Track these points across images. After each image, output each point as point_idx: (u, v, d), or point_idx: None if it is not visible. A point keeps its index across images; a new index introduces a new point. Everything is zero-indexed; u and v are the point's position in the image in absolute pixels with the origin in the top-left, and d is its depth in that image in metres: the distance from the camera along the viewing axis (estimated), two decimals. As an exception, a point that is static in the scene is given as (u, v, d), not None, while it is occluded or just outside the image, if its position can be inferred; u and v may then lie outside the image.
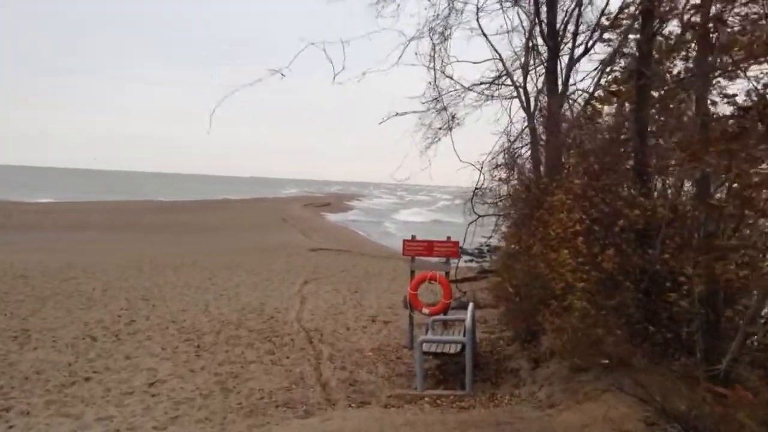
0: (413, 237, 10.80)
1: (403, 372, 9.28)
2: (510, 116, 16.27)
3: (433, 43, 13.28)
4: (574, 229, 7.17)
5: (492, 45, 15.17)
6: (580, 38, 13.00)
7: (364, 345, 11.02)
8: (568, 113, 13.65)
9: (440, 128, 14.12)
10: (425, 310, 10.37)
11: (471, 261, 29.28)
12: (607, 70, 13.15)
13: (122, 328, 11.54)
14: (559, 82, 12.95)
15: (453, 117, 14.08)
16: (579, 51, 12.84)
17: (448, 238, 10.71)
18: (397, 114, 13.65)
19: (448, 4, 13.19)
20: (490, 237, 15.60)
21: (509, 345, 10.26)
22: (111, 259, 21.68)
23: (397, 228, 52.90)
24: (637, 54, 7.88)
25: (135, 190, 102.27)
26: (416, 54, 13.41)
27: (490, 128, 16.08)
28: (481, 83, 15.40)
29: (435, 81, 13.46)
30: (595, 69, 12.85)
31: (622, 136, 8.55)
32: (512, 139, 16.34)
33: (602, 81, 13.37)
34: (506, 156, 16.58)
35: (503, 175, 15.93)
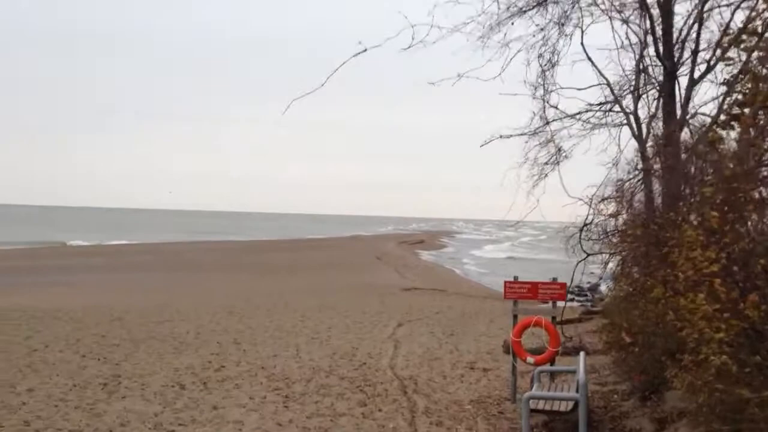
0: (515, 277, 9.93)
1: (507, 429, 8.38)
2: (619, 145, 15.19)
3: (542, 69, 12.50)
4: (710, 270, 6.16)
5: (598, 69, 14.23)
6: (701, 56, 11.89)
7: (463, 396, 10.16)
8: (686, 140, 12.53)
9: (546, 163, 13.21)
10: (530, 359, 9.43)
11: (572, 300, 27.88)
12: (731, 92, 11.98)
13: (211, 375, 11.13)
14: (677, 106, 11.88)
15: (560, 150, 13.14)
16: (699, 71, 11.66)
17: (554, 279, 9.77)
18: (501, 137, 12.81)
19: (558, 27, 12.39)
20: (600, 278, 14.43)
21: (625, 400, 9.15)
22: (203, 300, 21.71)
23: (474, 263, 51.82)
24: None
25: (225, 230, 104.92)
26: (525, 82, 12.68)
27: (597, 159, 15.01)
28: (588, 111, 14.45)
29: (544, 110, 12.62)
30: (721, 92, 11.69)
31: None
32: (622, 170, 15.24)
33: (725, 104, 12.19)
34: (615, 189, 15.47)
35: (612, 210, 14.85)
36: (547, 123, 12.87)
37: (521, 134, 12.83)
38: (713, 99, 12.47)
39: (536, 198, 13.27)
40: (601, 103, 14.70)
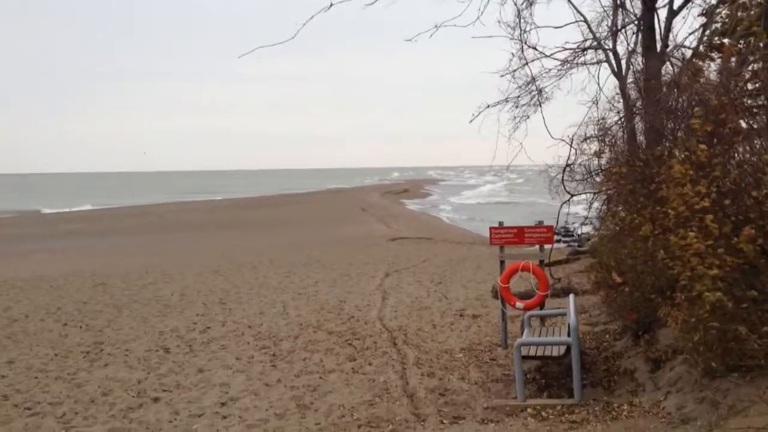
0: (500, 223, 9.70)
1: (499, 377, 8.24)
2: (599, 83, 14.90)
3: (518, 9, 12.06)
4: (700, 205, 5.94)
5: (575, 7, 13.83)
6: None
7: (453, 344, 10.03)
8: (667, 74, 12.23)
9: (528, 104, 12.88)
10: (519, 305, 9.28)
11: (558, 241, 27.81)
12: (711, 23, 11.65)
13: (197, 337, 10.93)
14: (657, 39, 11.56)
15: (541, 91, 12.80)
16: (679, 2, 11.33)
17: (540, 222, 9.56)
18: (489, 106, 12.43)
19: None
20: (585, 218, 14.29)
21: (617, 340, 9.06)
22: (188, 261, 21.44)
23: (459, 210, 51.80)
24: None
25: (215, 189, 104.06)
26: (499, 22, 12.23)
27: (577, 98, 14.74)
28: (565, 49, 14.08)
29: (522, 51, 12.21)
30: (701, 23, 11.39)
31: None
32: (603, 108, 14.99)
33: (705, 35, 11.88)
34: (597, 127, 15.22)
35: (594, 149, 14.63)
36: (526, 63, 12.48)
37: (506, 101, 12.41)
38: (693, 32, 12.19)
39: (519, 141, 12.95)
40: (580, 43, 14.35)
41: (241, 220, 41.60)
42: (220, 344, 10.42)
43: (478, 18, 11.61)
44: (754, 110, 7.41)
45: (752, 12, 8.18)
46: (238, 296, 14.82)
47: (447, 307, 13.00)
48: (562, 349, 7.35)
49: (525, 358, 7.41)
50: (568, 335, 7.21)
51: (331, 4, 7.70)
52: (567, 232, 30.28)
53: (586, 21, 14.01)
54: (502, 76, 12.60)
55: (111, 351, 10.15)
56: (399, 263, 19.78)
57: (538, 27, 13.60)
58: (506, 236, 9.47)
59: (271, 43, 9.48)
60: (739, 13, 8.31)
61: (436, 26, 11.64)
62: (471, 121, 13.00)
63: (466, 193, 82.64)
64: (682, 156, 8.00)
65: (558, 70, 13.45)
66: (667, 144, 9.58)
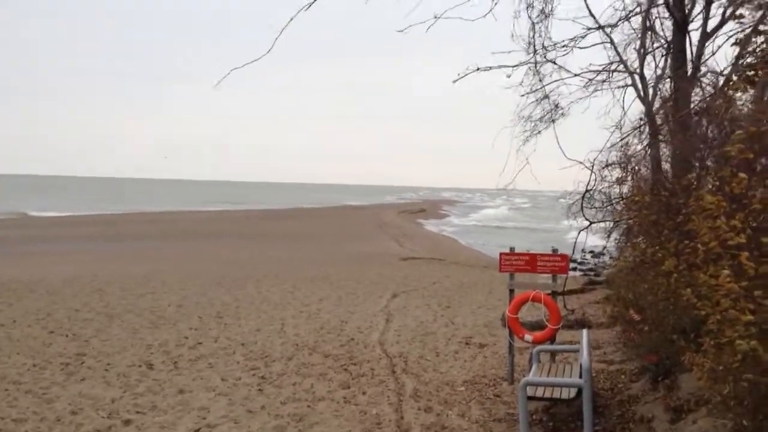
0: (511, 249, 9.04)
1: (503, 416, 7.55)
2: (623, 107, 14.24)
3: (531, 22, 11.42)
4: (735, 241, 5.27)
5: (601, 26, 13.18)
6: (714, 8, 10.92)
7: (456, 376, 9.35)
8: (697, 100, 11.57)
9: (540, 119, 12.23)
10: (528, 338, 8.59)
11: (574, 269, 27.01)
12: (744, 53, 10.99)
13: (184, 353, 10.34)
14: (688, 62, 10.91)
15: (556, 106, 12.15)
16: (712, 24, 10.69)
17: (555, 250, 8.89)
18: (478, 69, 11.30)
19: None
20: (604, 248, 13.57)
21: (634, 382, 8.33)
22: (194, 270, 20.91)
23: (473, 232, 51.02)
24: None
25: (234, 199, 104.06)
26: (512, 36, 11.55)
27: (599, 122, 14.07)
28: (590, 70, 13.44)
29: (536, 65, 11.57)
30: (732, 45, 10.71)
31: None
32: (626, 133, 14.33)
33: (739, 62, 11.19)
34: (620, 153, 14.55)
35: (616, 176, 13.97)
36: (541, 80, 11.81)
37: (503, 66, 11.47)
38: (726, 57, 11.52)
39: (526, 157, 12.27)
40: (605, 65, 13.69)
41: (255, 232, 41.15)
42: (207, 362, 9.82)
43: (490, 11, 10.69)
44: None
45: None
46: (237, 310, 14.23)
47: (453, 334, 12.33)
48: (573, 391, 6.66)
49: (531, 398, 6.74)
50: (580, 376, 6.52)
51: (310, 4, 6.91)
52: (584, 261, 29.58)
53: (612, 42, 13.36)
54: (506, 67, 11.82)
55: (91, 364, 9.57)
56: (408, 284, 19.13)
57: (563, 46, 12.95)
58: (517, 263, 8.80)
59: (246, 62, 8.62)
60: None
61: (435, 17, 10.68)
62: (455, 81, 11.96)
63: (482, 214, 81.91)
64: (714, 186, 7.35)
65: (581, 90, 12.78)
66: (697, 173, 8.90)
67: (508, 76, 11.10)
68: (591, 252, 29.14)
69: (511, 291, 8.99)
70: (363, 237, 38.54)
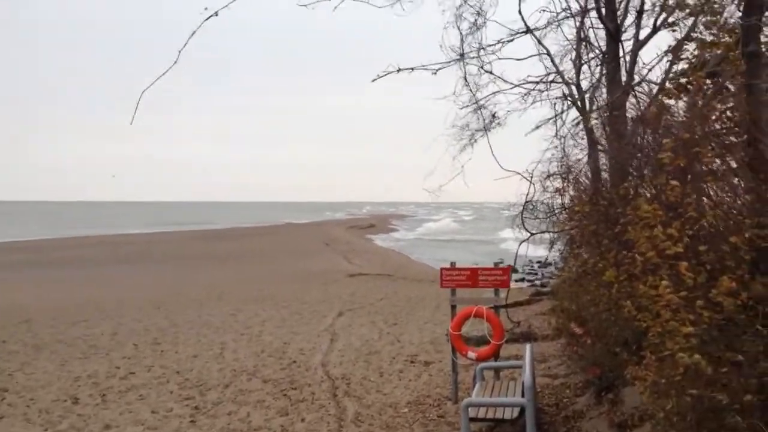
0: (452, 263, 8.83)
1: (446, 438, 7.29)
2: (563, 118, 14.24)
3: (461, 34, 11.28)
4: (673, 250, 5.13)
5: (537, 39, 13.15)
6: (645, 18, 10.99)
7: (399, 397, 9.06)
8: (632, 109, 11.61)
9: (477, 129, 12.13)
10: (471, 355, 8.36)
11: (522, 280, 27.05)
12: (676, 60, 11.08)
13: (114, 384, 9.81)
14: (622, 71, 10.93)
15: (493, 116, 12.05)
16: (644, 34, 10.76)
17: (499, 262, 8.70)
18: (399, 70, 10.85)
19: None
20: (546, 258, 13.51)
21: (579, 395, 8.18)
22: (132, 294, 20.19)
23: (421, 246, 50.99)
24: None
25: (182, 219, 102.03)
26: (441, 47, 11.32)
27: (539, 133, 14.04)
28: (527, 82, 13.41)
29: (464, 75, 11.41)
30: (665, 54, 10.77)
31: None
32: (565, 144, 14.34)
33: (673, 70, 11.29)
34: (560, 164, 14.55)
35: (557, 186, 13.96)
36: (472, 90, 11.67)
37: (426, 67, 11.21)
38: (658, 62, 11.60)
39: (461, 165, 12.14)
40: (542, 77, 13.69)
41: (197, 254, 40.19)
42: (138, 394, 9.31)
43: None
44: (729, 145, 6.69)
45: (727, 38, 7.52)
46: (176, 336, 13.69)
47: (398, 352, 12.05)
48: (516, 411, 6.44)
49: (473, 420, 6.49)
50: (523, 395, 6.30)
51: (216, 13, 6.52)
52: (531, 271, 29.69)
53: (549, 54, 13.36)
54: (427, 69, 11.59)
55: (12, 400, 8.98)
56: (355, 301, 18.81)
57: (499, 59, 12.85)
58: (458, 278, 8.59)
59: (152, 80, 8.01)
60: (714, 38, 7.64)
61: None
62: (374, 80, 11.71)
63: (428, 227, 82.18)
64: (651, 195, 7.28)
65: (519, 101, 12.72)
66: (633, 182, 8.86)
67: (434, 73, 10.84)
68: (539, 262, 29.31)
69: (453, 307, 8.76)
70: (310, 254, 38.02)
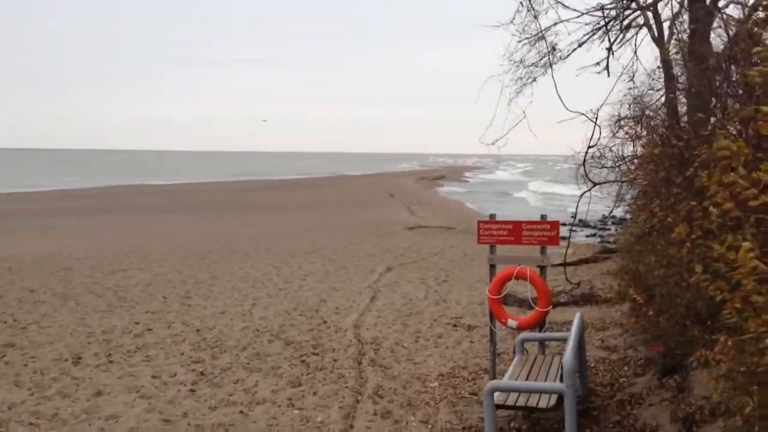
0: (492, 216, 7.55)
1: (475, 423, 6.15)
2: (635, 51, 12.53)
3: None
4: (761, 200, 3.76)
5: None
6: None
7: (432, 367, 7.97)
8: (718, 38, 9.91)
9: (535, 64, 10.62)
10: (512, 323, 7.14)
11: (594, 236, 25.27)
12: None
13: (126, 342, 9.07)
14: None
15: (554, 48, 10.52)
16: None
17: (543, 216, 7.37)
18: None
19: None
20: (611, 211, 12.03)
21: (639, 375, 6.88)
22: (180, 244, 19.68)
23: (495, 199, 48.99)
24: None
25: (254, 169, 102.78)
26: None
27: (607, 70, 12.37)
28: (595, 8, 11.74)
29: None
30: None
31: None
32: (640, 82, 12.68)
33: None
34: (633, 105, 12.90)
35: (628, 131, 12.38)
36: (536, 17, 10.16)
37: (499, 24, 9.98)
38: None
39: (522, 109, 10.67)
40: (612, 2, 11.99)
41: (263, 203, 39.83)
42: (146, 354, 8.52)
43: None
44: None
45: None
46: (210, 290, 12.95)
47: (442, 314, 10.93)
48: (553, 399, 5.23)
49: (500, 407, 5.32)
50: (562, 380, 5.08)
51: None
52: (604, 226, 27.80)
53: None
54: (500, 27, 10.22)
55: (13, 358, 8.33)
56: (408, 255, 17.74)
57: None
58: (498, 234, 7.31)
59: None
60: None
61: None
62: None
63: (498, 176, 79.83)
64: (735, 131, 5.83)
65: (583, 29, 11.10)
66: (718, 121, 7.33)
67: None
68: (612, 217, 27.46)
69: (492, 267, 7.50)
70: (372, 205, 37.06)
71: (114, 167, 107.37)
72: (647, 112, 12.45)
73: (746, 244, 3.71)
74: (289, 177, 79.06)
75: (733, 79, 7.18)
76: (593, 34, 11.42)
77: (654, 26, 11.71)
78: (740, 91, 6.69)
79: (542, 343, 7.16)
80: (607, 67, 11.10)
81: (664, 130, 9.31)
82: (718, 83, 7.26)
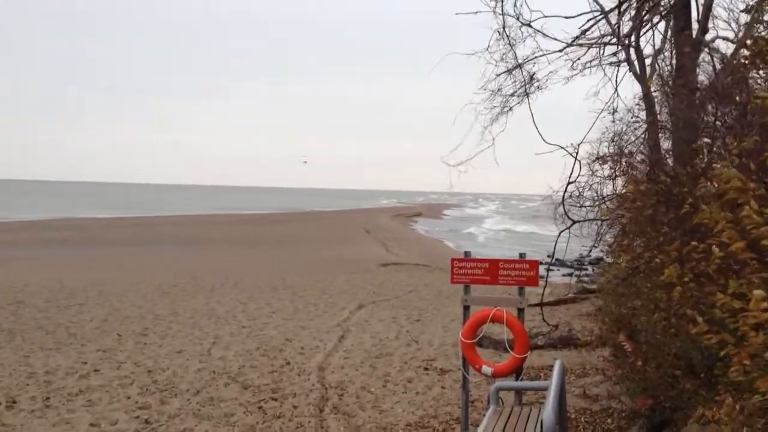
0: (466, 253, 7.02)
1: (444, 482, 5.54)
2: (616, 88, 12.17)
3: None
4: (774, 240, 3.27)
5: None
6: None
7: (399, 416, 7.36)
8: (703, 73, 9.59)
9: (512, 94, 10.20)
10: (487, 369, 6.57)
11: (570, 275, 24.79)
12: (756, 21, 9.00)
13: (68, 385, 8.34)
14: (692, 23, 8.93)
15: (532, 77, 10.13)
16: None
17: (522, 255, 6.85)
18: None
19: None
20: (589, 250, 11.59)
21: (624, 430, 6.33)
22: (145, 277, 18.89)
23: (470, 237, 48.67)
24: None
25: (225, 204, 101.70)
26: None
27: (586, 105, 12.01)
28: (574, 44, 11.42)
29: (504, 28, 9.57)
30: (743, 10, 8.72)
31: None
32: (619, 120, 12.32)
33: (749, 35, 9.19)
34: (613, 143, 12.52)
35: (607, 169, 11.99)
36: (512, 46, 9.77)
37: (474, 53, 9.58)
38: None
39: (493, 137, 10.23)
40: (596, 39, 11.67)
41: (235, 237, 39.03)
42: (88, 398, 7.81)
43: None
44: None
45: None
46: (169, 327, 12.22)
47: (413, 355, 10.34)
48: (531, 458, 4.65)
49: (472, 468, 4.73)
50: (541, 437, 4.49)
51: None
52: (581, 265, 27.36)
53: (603, 11, 11.34)
54: (474, 55, 9.80)
55: (-60, 401, 7.57)
56: (380, 293, 17.16)
57: (545, 16, 10.89)
58: (473, 272, 6.77)
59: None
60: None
61: None
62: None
63: (487, 219, 79.61)
64: (733, 165, 5.38)
65: (564, 63, 10.73)
66: (707, 157, 6.93)
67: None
68: (588, 257, 27.12)
69: (466, 308, 6.95)
70: (347, 241, 36.46)
71: (72, 199, 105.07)
72: (629, 148, 12.12)
73: (758, 293, 3.22)
74: (262, 212, 78.22)
75: (727, 110, 6.80)
76: (573, 69, 11.07)
77: (636, 62, 11.41)
78: (734, 123, 6.29)
79: (519, 392, 6.58)
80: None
81: (648, 166, 8.92)
82: (708, 115, 6.86)
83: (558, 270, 24.54)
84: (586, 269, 26.60)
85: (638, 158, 11.55)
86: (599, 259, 26.04)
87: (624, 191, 9.04)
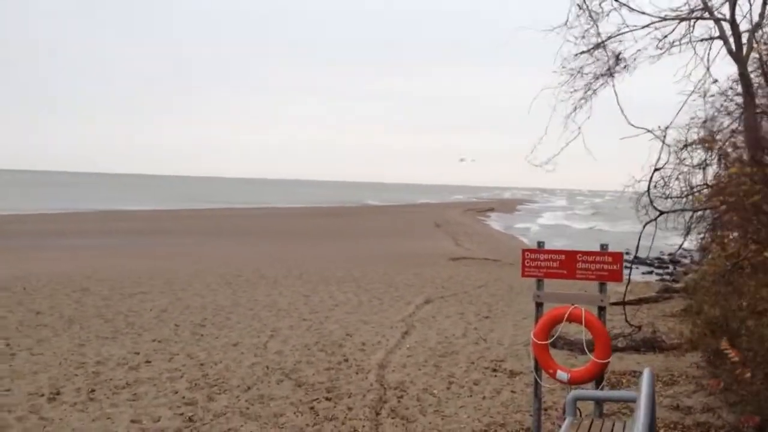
0: (539, 244, 6.26)
1: (511, 505, 4.82)
2: (708, 68, 11.09)
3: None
4: None
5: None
6: None
7: (463, 423, 6.66)
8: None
9: (596, 76, 9.30)
10: (562, 375, 5.81)
11: (650, 273, 23.48)
12: None
13: (117, 376, 7.99)
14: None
15: (617, 57, 9.21)
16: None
17: (604, 246, 6.03)
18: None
19: None
20: (680, 245, 10.60)
21: (723, 449, 5.46)
22: (211, 267, 18.71)
23: (546, 232, 46.96)
24: None
25: (297, 197, 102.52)
26: None
27: (677, 87, 10.95)
28: (661, 18, 10.45)
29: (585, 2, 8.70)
30: None
31: None
32: (711, 100, 11.28)
33: None
34: (704, 127, 11.47)
35: (697, 158, 10.99)
36: (595, 21, 8.88)
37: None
38: None
39: (578, 125, 9.35)
40: (687, 13, 10.68)
41: (304, 229, 38.94)
42: (134, 392, 7.41)
43: None
44: None
45: None
46: (228, 318, 11.85)
47: (481, 355, 9.61)
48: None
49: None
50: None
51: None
52: (662, 263, 25.91)
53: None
54: (552, 31, 8.98)
55: (-16, 390, 7.31)
56: (449, 287, 16.44)
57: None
58: (547, 265, 6.01)
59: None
60: None
61: None
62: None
63: (556, 214, 77.56)
64: None
65: (649, 41, 9.78)
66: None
67: None
68: (670, 254, 25.70)
69: (539, 305, 6.19)
70: (417, 235, 35.80)
71: (136, 191, 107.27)
72: (722, 133, 11.07)
73: None
74: (332, 205, 78.31)
75: None
76: (659, 49, 10.09)
77: (731, 38, 10.34)
78: None
79: (599, 402, 5.79)
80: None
81: (747, 151, 7.94)
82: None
83: (636, 268, 23.24)
84: (667, 267, 25.15)
85: (734, 144, 10.52)
86: (677, 260, 24.63)
87: (725, 175, 8.11)
